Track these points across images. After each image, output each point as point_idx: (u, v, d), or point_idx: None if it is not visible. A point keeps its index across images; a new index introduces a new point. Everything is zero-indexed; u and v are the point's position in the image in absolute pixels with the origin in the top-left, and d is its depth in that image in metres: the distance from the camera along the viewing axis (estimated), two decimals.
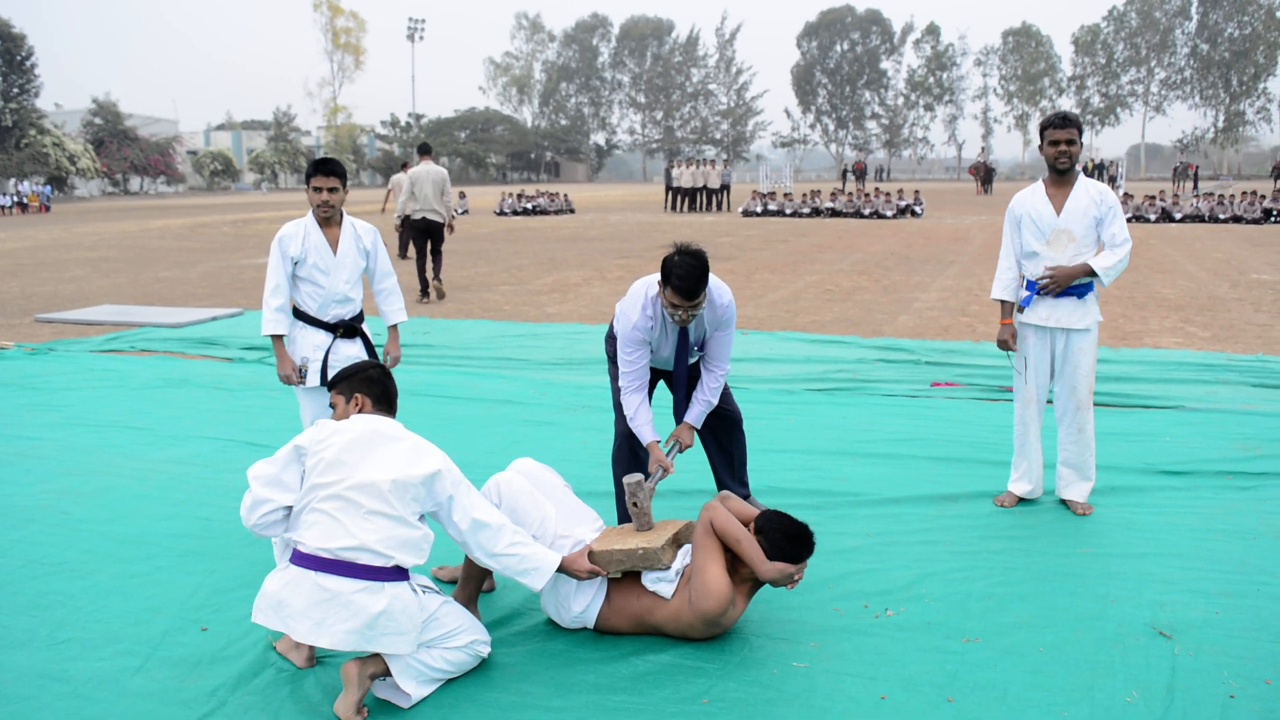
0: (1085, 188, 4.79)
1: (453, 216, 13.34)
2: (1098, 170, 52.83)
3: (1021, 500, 5.03)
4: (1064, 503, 4.96)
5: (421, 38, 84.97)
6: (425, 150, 13.36)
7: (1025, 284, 4.92)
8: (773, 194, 34.06)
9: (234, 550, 4.44)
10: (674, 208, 35.03)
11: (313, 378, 4.69)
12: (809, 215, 31.57)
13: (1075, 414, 4.87)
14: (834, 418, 6.70)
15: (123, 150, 69.78)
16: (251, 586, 4.02)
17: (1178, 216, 27.32)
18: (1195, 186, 43.76)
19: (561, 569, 3.46)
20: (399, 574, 3.16)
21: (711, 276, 4.19)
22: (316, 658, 3.41)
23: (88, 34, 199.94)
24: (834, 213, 31.60)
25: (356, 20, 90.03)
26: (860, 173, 42.63)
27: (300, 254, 4.68)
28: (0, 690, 3.25)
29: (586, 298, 13.04)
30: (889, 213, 30.40)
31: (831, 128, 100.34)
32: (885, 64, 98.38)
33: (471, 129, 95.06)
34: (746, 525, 3.60)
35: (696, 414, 4.59)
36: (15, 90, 62.29)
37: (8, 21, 62.03)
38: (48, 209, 50.66)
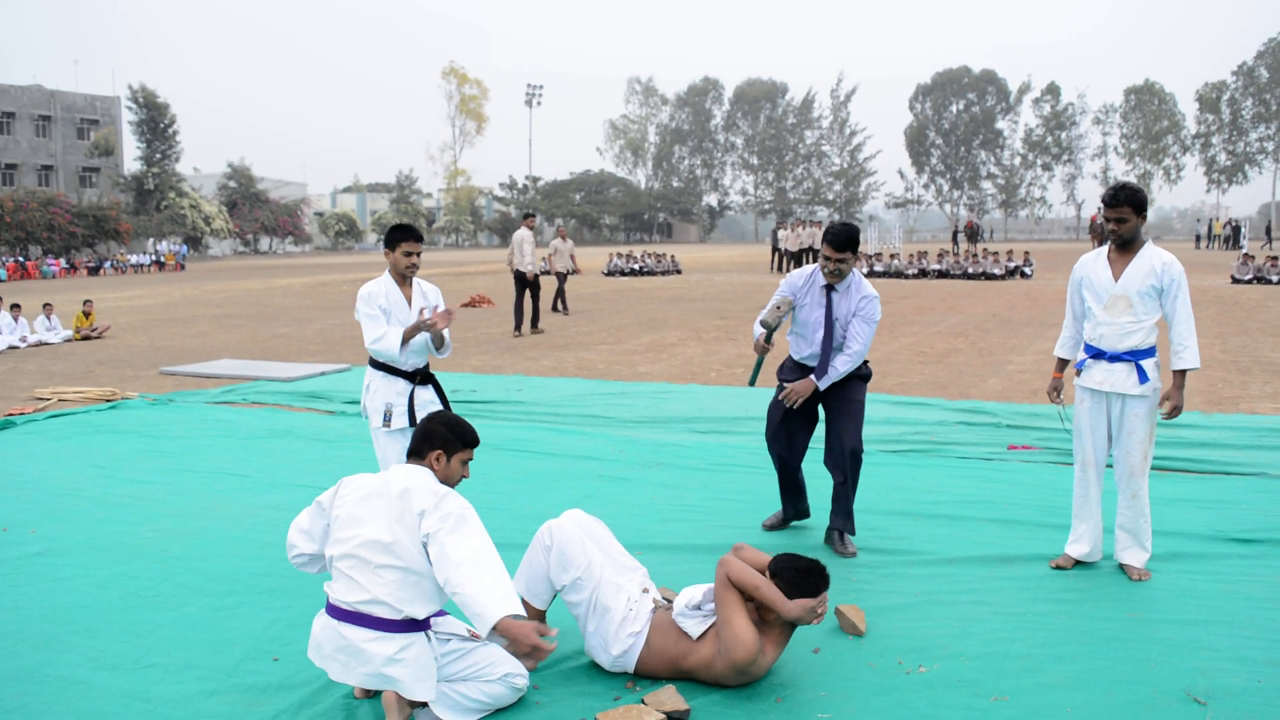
0: (1148, 256, 4.82)
1: (539, 271, 17.22)
2: (1234, 232, 51.09)
3: (1079, 563, 5.03)
4: (1122, 567, 4.95)
5: (539, 103, 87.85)
6: (526, 216, 17.25)
7: (1084, 347, 4.99)
8: (879, 255, 33.94)
9: (311, 589, 4.76)
10: (780, 269, 35.19)
11: (399, 420, 5.18)
12: (915, 276, 31.36)
13: (1130, 479, 4.88)
14: (903, 479, 6.75)
15: (254, 212, 73.58)
16: None
17: None
18: None
19: (501, 628, 3.23)
20: (412, 625, 3.38)
21: (863, 277, 5.32)
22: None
23: (225, 101, 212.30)
24: (941, 274, 31.30)
25: (480, 88, 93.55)
26: (972, 232, 42.03)
27: (386, 307, 5.17)
28: (89, 707, 3.60)
29: (679, 358, 13.28)
30: (997, 273, 29.99)
31: (946, 188, 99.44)
32: (1001, 123, 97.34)
33: (586, 190, 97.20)
34: (761, 573, 3.74)
35: (825, 378, 5.27)
36: (158, 155, 66.49)
37: (153, 91, 66.45)
38: (183, 267, 53.70)
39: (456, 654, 3.49)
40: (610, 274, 35.27)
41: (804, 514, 5.77)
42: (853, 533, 5.37)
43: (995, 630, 4.21)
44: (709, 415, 9.12)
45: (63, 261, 50.42)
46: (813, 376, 5.29)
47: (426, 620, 3.46)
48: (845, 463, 5.30)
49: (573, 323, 18.31)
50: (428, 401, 5.29)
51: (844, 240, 5.13)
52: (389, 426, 5.18)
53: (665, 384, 11.01)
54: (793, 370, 5.50)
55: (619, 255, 37.52)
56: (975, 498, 6.24)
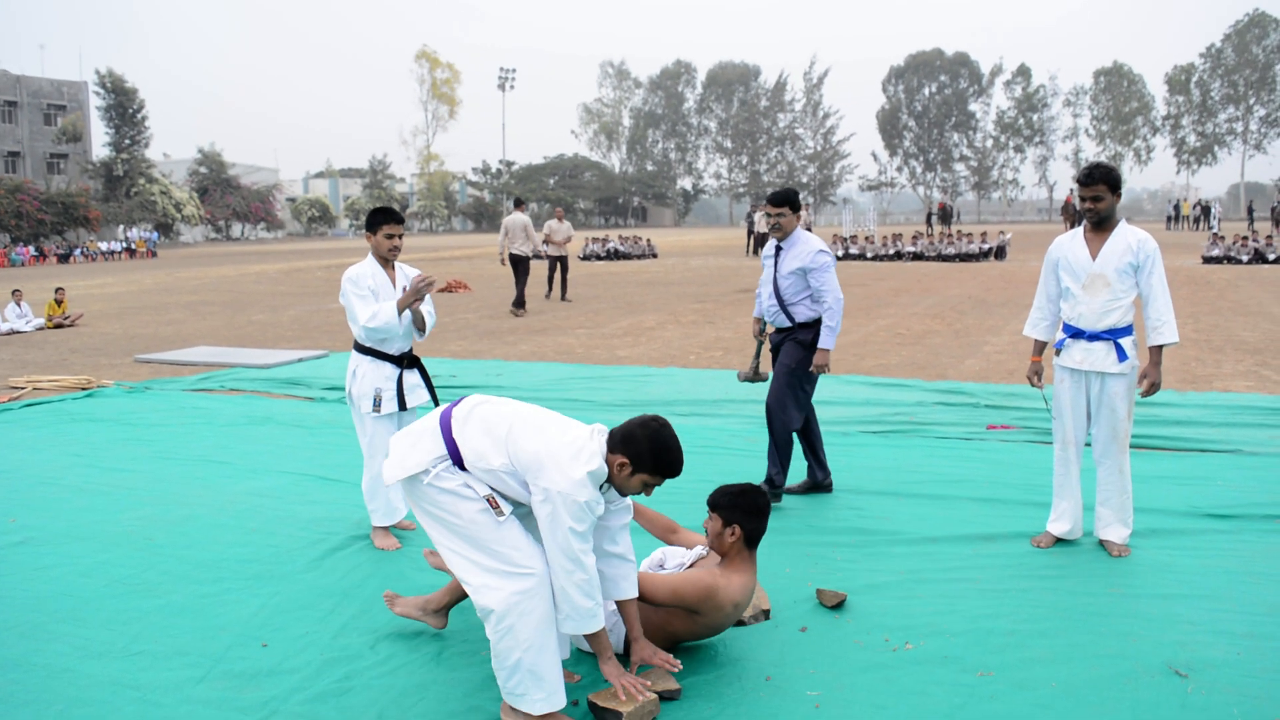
0: (1123, 235, 4.89)
1: (535, 252, 17.87)
2: (1204, 212, 51.62)
3: (1060, 541, 5.09)
4: (1102, 543, 5.01)
5: (512, 87, 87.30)
6: (518, 203, 18.50)
7: (1063, 327, 5.04)
8: (854, 237, 34.06)
9: (298, 575, 4.76)
10: (755, 252, 35.24)
11: (388, 405, 5.18)
12: (891, 258, 31.51)
13: (1113, 457, 4.94)
14: (885, 459, 6.81)
15: (225, 198, 72.87)
16: (311, 608, 4.35)
17: (1271, 258, 26.57)
18: None
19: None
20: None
21: (811, 234, 5.88)
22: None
23: (195, 87, 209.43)
24: (916, 256, 31.46)
25: (453, 71, 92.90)
26: (944, 214, 42.28)
27: (374, 288, 5.17)
28: (78, 695, 3.59)
29: (658, 341, 13.30)
30: (974, 252, 30.17)
31: (919, 170, 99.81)
32: (973, 106, 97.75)
33: (560, 175, 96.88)
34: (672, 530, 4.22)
35: (824, 339, 5.77)
36: (127, 141, 65.67)
37: (121, 76, 65.59)
38: (154, 254, 53.16)
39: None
40: (586, 258, 35.20)
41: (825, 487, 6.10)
42: (775, 485, 5.82)
43: (979, 607, 4.27)
44: (689, 398, 9.14)
45: (32, 249, 49.74)
46: (821, 345, 5.77)
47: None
48: (768, 417, 5.86)
49: (550, 307, 18.28)
50: (415, 385, 5.30)
51: (780, 198, 5.81)
52: (379, 412, 5.17)
53: (645, 367, 11.03)
54: (773, 335, 6.07)
55: (594, 240, 37.46)
56: (956, 477, 6.30)
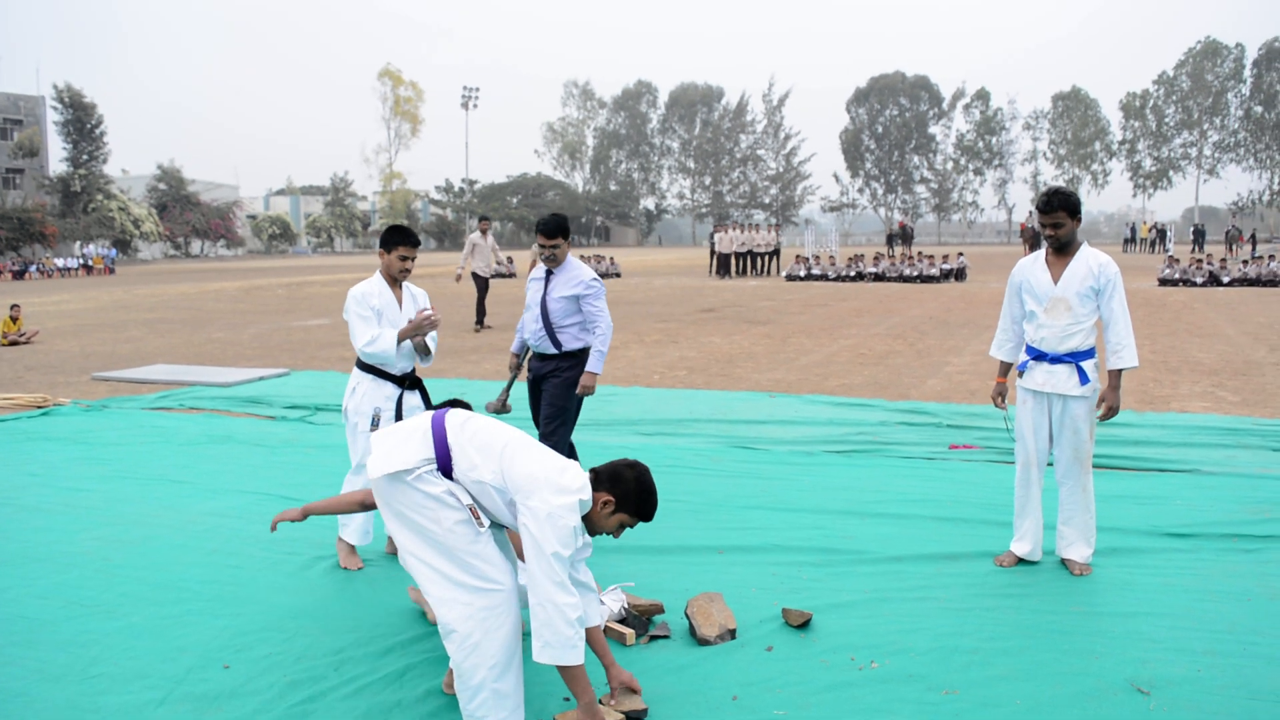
0: (1085, 259, 4.96)
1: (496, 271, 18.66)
2: (1160, 235, 52.56)
3: (1022, 560, 5.14)
4: (1064, 562, 5.07)
5: (476, 105, 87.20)
6: (481, 219, 18.62)
7: (1026, 349, 5.11)
8: (817, 258, 34.32)
9: (260, 596, 4.70)
10: (718, 273, 35.40)
11: (386, 425, 5.06)
12: (853, 279, 31.77)
13: (1075, 477, 5.00)
14: (848, 479, 6.85)
15: (185, 214, 72.10)
16: (274, 629, 4.29)
17: (1225, 280, 27.09)
18: (1254, 249, 43.24)
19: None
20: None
21: (581, 263, 6.05)
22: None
23: (154, 102, 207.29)
24: (877, 277, 31.76)
25: (416, 90, 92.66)
26: (905, 234, 42.69)
27: (379, 308, 5.16)
28: (34, 719, 3.51)
29: (622, 360, 13.30)
30: (933, 275, 30.51)
31: (880, 192, 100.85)
32: (934, 128, 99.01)
33: (524, 194, 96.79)
34: None
35: (592, 363, 5.93)
36: (85, 157, 64.87)
37: (79, 91, 64.85)
38: (112, 271, 52.42)
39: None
40: None
41: None
42: None
43: (944, 625, 4.30)
44: (654, 417, 9.15)
45: None
46: (590, 368, 5.91)
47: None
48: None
49: (513, 325, 18.19)
50: (415, 406, 5.26)
51: (553, 228, 5.93)
52: (376, 431, 5.08)
53: (610, 386, 11.02)
54: (533, 359, 6.14)
55: None
56: (919, 496, 6.35)
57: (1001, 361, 5.30)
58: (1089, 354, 4.96)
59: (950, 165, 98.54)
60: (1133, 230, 59.74)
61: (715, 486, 6.65)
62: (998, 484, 6.59)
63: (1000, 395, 5.26)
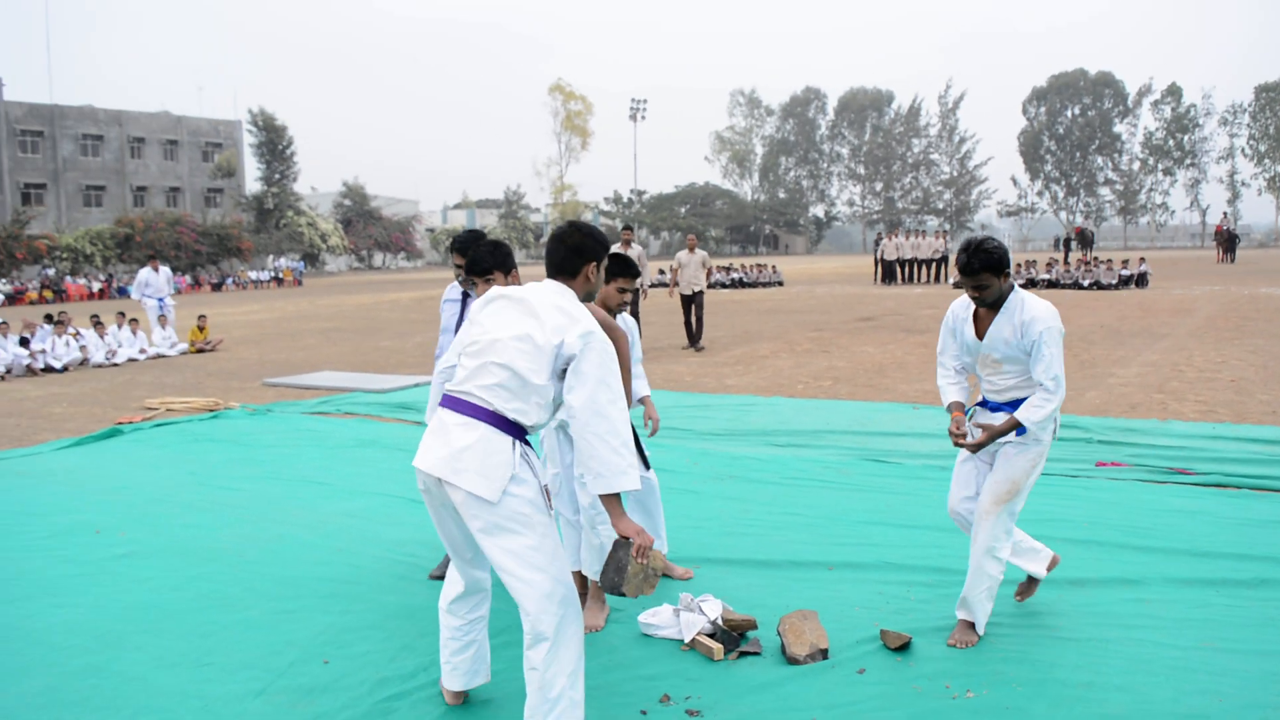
0: (1009, 317, 4.26)
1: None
2: None
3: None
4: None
5: (644, 117, 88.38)
6: (624, 229, 16.13)
7: (981, 399, 4.58)
8: None
9: (371, 595, 4.88)
10: (883, 280, 34.66)
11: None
12: (1023, 286, 30.44)
13: (990, 517, 4.31)
14: None
15: (368, 229, 75.69)
16: (376, 628, 4.45)
17: None
18: None
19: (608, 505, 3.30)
20: (503, 423, 3.29)
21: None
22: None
23: (339, 126, 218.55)
24: (1050, 284, 30.39)
25: (585, 104, 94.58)
26: (1084, 238, 40.55)
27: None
28: (146, 703, 3.77)
29: (769, 370, 13.18)
30: (1110, 282, 28.98)
31: (1061, 195, 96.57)
32: (1119, 127, 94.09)
33: (692, 203, 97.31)
34: None
35: None
36: (277, 176, 69.09)
37: (271, 114, 69.11)
38: (300, 283, 55.58)
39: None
40: (710, 287, 35.21)
41: None
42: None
43: (1051, 656, 4.06)
44: (789, 428, 9.02)
45: (188, 278, 52.69)
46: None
47: (522, 429, 3.35)
48: None
49: (666, 334, 18.33)
50: None
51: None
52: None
53: (750, 396, 10.94)
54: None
55: (719, 269, 37.48)
56: (1053, 515, 6.00)
57: (955, 401, 4.56)
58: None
59: (1137, 165, 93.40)
60: None
61: (837, 500, 6.50)
62: (1143, 505, 6.20)
63: (957, 425, 4.45)
